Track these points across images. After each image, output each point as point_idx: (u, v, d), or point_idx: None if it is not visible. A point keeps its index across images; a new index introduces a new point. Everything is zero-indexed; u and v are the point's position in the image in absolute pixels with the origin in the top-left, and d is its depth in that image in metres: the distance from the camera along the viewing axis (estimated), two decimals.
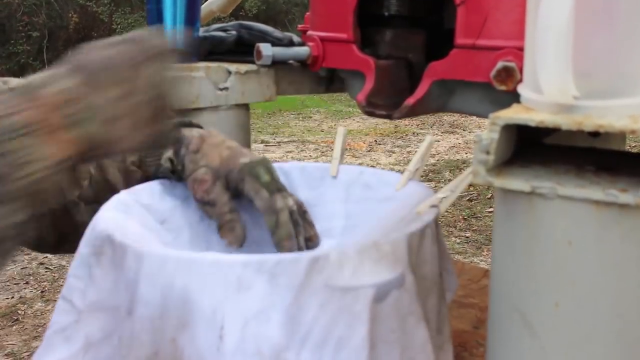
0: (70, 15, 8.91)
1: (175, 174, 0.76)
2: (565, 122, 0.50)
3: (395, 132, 5.66)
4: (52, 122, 0.54)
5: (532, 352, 0.54)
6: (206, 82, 0.97)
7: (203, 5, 1.41)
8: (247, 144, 1.06)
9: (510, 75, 0.72)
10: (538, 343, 0.53)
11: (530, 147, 0.60)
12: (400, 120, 5.95)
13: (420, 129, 5.77)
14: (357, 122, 6.10)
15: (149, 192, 0.74)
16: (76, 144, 0.55)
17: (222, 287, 0.52)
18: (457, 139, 5.35)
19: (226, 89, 0.99)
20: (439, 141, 5.27)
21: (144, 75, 0.59)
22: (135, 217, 0.69)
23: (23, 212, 0.51)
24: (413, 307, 0.56)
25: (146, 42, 0.62)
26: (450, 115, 6.04)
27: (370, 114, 0.92)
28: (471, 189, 3.93)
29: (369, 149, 5.17)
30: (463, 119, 5.89)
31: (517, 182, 0.52)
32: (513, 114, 0.52)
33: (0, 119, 0.51)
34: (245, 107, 1.04)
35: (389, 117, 0.89)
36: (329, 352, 0.52)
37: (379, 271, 0.54)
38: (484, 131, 0.52)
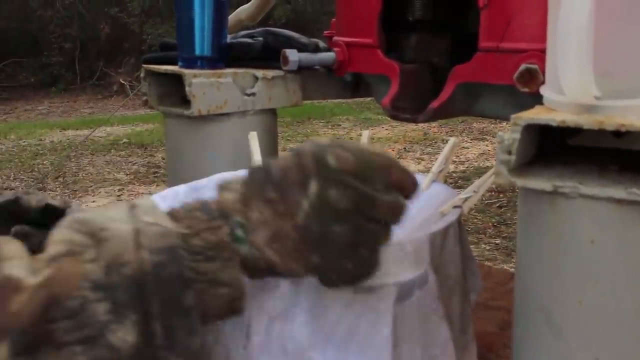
0: (102, 26, 9.02)
1: None
2: (586, 121, 0.50)
3: (425, 139, 5.63)
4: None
5: (556, 349, 0.54)
6: (234, 88, 0.98)
7: (232, 15, 1.42)
8: (274, 149, 1.07)
9: (534, 78, 0.72)
10: (563, 340, 0.53)
11: (555, 149, 0.60)
12: (430, 127, 5.91)
13: (450, 135, 5.72)
14: (386, 129, 6.08)
15: (174, 195, 0.75)
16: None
17: (248, 286, 0.52)
18: (486, 145, 5.31)
19: (253, 94, 1.00)
20: (468, 148, 5.24)
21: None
22: None
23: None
24: (435, 306, 0.56)
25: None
26: (479, 122, 5.98)
27: (395, 117, 0.93)
28: (501, 196, 3.89)
29: (398, 156, 5.15)
30: (493, 125, 5.84)
31: (539, 181, 0.52)
32: (534, 115, 0.52)
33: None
34: (272, 112, 1.05)
35: (413, 120, 0.90)
36: (352, 350, 0.53)
37: (402, 270, 0.54)
38: (506, 132, 0.53)
